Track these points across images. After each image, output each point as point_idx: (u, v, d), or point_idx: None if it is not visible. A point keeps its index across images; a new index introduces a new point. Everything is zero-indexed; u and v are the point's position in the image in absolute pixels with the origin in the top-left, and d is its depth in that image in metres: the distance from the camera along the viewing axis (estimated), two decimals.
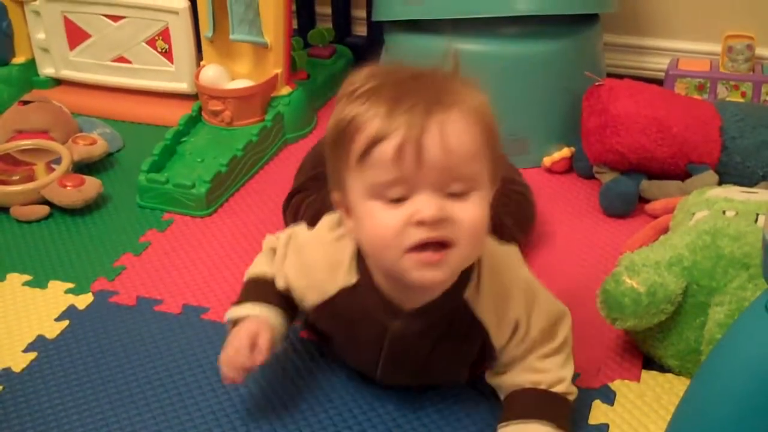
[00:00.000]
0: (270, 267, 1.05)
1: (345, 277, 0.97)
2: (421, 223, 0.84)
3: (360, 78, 0.88)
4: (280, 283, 1.03)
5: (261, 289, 1.04)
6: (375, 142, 0.83)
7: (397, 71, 0.89)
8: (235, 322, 1.01)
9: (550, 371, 0.97)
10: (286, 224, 1.32)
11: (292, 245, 1.03)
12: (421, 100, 0.83)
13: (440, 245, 0.85)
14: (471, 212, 0.85)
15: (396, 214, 0.84)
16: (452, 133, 0.83)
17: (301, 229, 1.05)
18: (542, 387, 0.97)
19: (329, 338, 1.07)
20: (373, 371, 1.02)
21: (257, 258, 1.09)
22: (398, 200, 0.85)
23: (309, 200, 1.27)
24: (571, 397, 0.98)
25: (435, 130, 0.82)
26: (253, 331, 0.98)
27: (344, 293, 0.97)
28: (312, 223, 1.04)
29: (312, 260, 0.99)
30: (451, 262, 0.87)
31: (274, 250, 1.06)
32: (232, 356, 0.97)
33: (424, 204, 0.83)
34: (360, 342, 1.00)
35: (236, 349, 0.97)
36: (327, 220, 1.01)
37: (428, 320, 0.95)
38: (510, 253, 1.00)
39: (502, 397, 1.00)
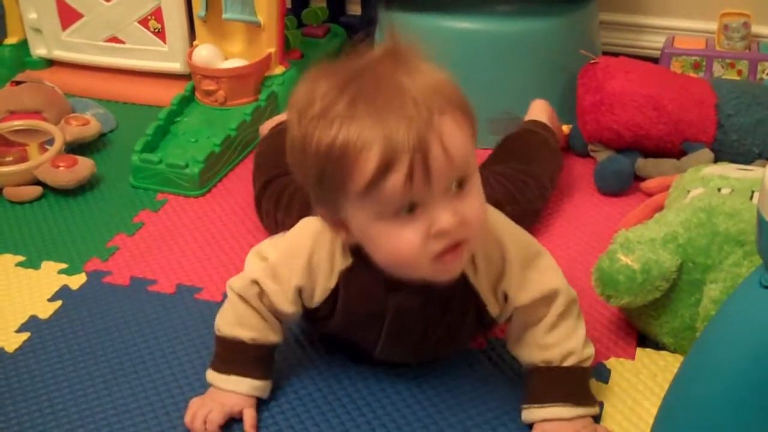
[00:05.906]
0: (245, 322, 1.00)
1: (341, 260, 0.96)
2: (440, 234, 0.84)
3: (320, 93, 0.84)
4: (286, 307, 0.99)
5: (240, 358, 1.01)
6: (381, 173, 0.81)
7: (350, 72, 0.84)
8: None
9: (557, 345, 0.97)
10: (260, 218, 1.31)
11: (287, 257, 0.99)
12: (408, 112, 0.80)
13: (456, 244, 0.86)
14: (475, 207, 0.86)
15: (414, 230, 0.84)
16: (450, 142, 0.82)
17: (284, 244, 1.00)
18: (555, 364, 0.97)
19: (327, 321, 1.04)
20: (373, 348, 1.02)
21: (228, 304, 1.01)
22: (410, 211, 0.84)
23: (289, 190, 1.25)
24: (587, 363, 0.98)
25: (437, 146, 0.81)
26: (235, 411, 0.99)
27: (343, 276, 0.97)
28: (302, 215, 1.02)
29: (314, 256, 0.97)
30: (465, 255, 0.89)
31: (262, 256, 1.01)
32: (198, 426, 0.98)
33: (441, 214, 0.84)
34: (361, 320, 1.00)
35: (209, 422, 0.98)
36: (301, 225, 1.00)
37: (428, 293, 0.95)
38: (503, 220, 0.99)
39: (522, 367, 1.01)
